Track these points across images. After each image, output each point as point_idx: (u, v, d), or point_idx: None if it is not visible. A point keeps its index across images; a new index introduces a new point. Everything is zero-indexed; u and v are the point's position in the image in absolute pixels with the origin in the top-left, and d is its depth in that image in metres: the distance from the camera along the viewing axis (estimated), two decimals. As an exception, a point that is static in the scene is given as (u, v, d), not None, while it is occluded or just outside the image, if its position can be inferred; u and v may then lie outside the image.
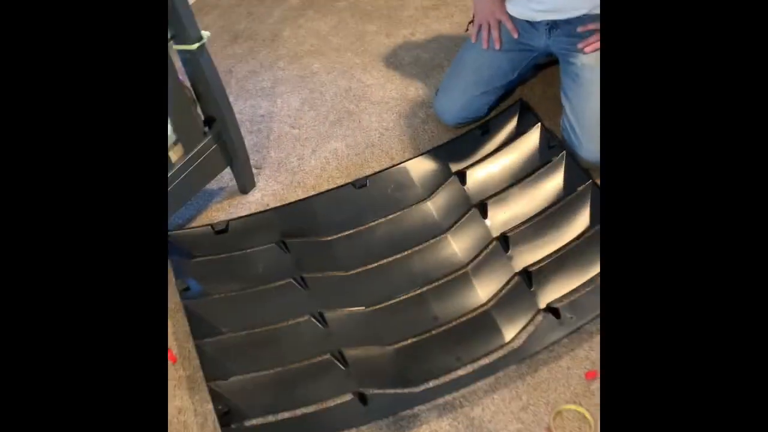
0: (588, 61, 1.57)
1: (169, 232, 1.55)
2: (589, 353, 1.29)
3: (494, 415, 1.24)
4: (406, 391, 1.25)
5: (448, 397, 1.27)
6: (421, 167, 1.68)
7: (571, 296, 1.33)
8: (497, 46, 1.66)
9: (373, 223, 1.59)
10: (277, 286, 1.45)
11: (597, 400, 1.22)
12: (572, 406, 1.21)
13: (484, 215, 1.50)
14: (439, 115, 1.80)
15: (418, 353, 1.33)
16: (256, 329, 1.36)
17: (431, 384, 1.26)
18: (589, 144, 1.55)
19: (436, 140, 1.80)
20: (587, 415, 1.20)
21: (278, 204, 1.67)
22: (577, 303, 1.30)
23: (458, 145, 1.70)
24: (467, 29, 1.78)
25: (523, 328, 1.30)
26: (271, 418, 1.27)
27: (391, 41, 2.16)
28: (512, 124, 1.68)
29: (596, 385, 1.24)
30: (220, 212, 1.70)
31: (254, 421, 1.25)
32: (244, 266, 1.52)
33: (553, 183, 1.54)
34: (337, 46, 2.19)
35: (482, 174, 1.61)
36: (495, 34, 1.65)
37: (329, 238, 1.57)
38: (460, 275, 1.43)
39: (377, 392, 1.24)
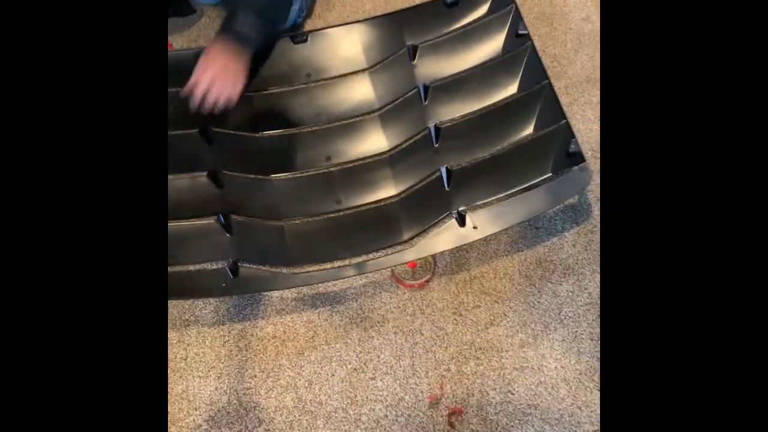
0: None
1: None
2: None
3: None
4: (283, 271, 1.18)
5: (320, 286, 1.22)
6: (371, 32, 1.45)
7: (484, 205, 1.23)
8: None
9: (301, 86, 1.41)
10: (180, 135, 1.29)
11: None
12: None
13: (425, 98, 1.35)
14: None
15: (308, 235, 1.25)
16: None
17: (312, 269, 1.20)
18: None
19: (211, 10, 1.59)
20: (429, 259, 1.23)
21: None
22: (487, 213, 1.18)
23: (418, 15, 1.47)
24: None
25: (426, 229, 1.23)
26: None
27: None
28: (485, 2, 1.48)
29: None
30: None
31: None
32: None
33: (508, 77, 1.37)
34: None
35: (436, 53, 1.42)
36: None
37: (249, 94, 1.38)
38: (377, 162, 1.31)
39: (251, 266, 1.16)
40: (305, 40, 1.44)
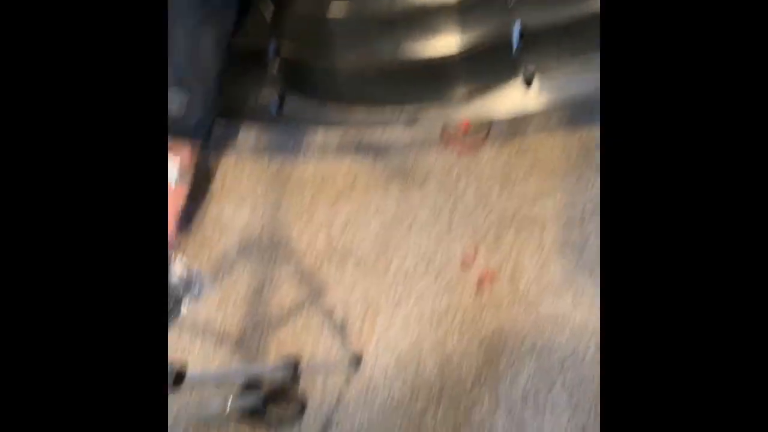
0: None
1: None
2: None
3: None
4: (327, 112, 1.11)
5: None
6: None
7: (554, 70, 1.09)
8: None
9: None
10: None
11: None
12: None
13: None
14: None
15: (362, 76, 1.18)
16: None
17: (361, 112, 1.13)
18: None
19: None
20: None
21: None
22: (556, 80, 1.08)
23: None
24: None
25: (487, 88, 1.11)
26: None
27: None
28: None
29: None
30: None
31: None
32: None
33: None
34: None
35: None
36: None
37: None
38: (444, 7, 1.18)
39: (300, 98, 1.11)
40: None
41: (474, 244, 1.08)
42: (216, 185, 1.14)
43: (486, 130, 1.15)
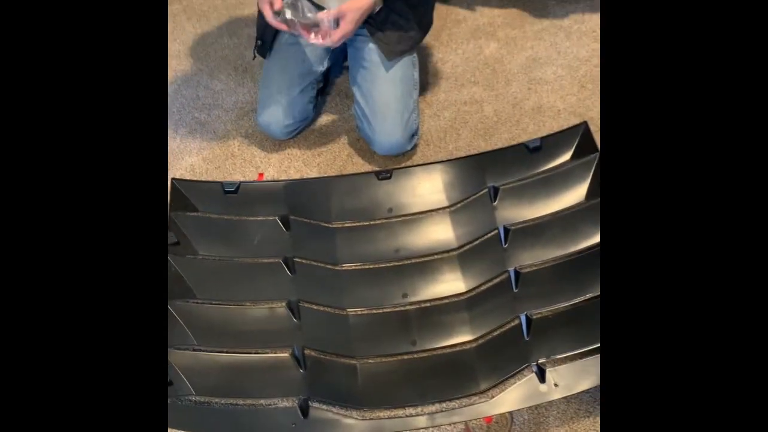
0: (373, 45, 1.51)
1: (174, 179, 1.50)
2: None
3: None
4: (354, 415, 1.16)
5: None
6: (452, 172, 1.50)
7: (565, 359, 1.17)
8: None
9: (383, 221, 1.46)
10: (264, 264, 1.37)
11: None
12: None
13: (505, 240, 1.35)
14: (266, 131, 1.68)
15: (381, 376, 1.24)
16: (229, 305, 1.33)
17: (383, 414, 1.17)
18: (381, 127, 1.54)
19: (301, 143, 1.69)
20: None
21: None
22: (569, 370, 1.14)
23: (501, 157, 1.51)
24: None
25: (503, 380, 1.18)
26: (214, 401, 1.22)
27: (234, 42, 2.00)
28: (568, 148, 1.49)
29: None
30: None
31: (193, 398, 1.20)
32: (241, 233, 1.43)
33: (592, 226, 1.34)
34: (177, 52, 1.99)
35: (518, 196, 1.43)
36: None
37: (333, 226, 1.44)
38: (453, 304, 1.32)
39: (322, 407, 1.16)
40: (389, 177, 1.49)
41: None
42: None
43: (509, 423, 1.16)
